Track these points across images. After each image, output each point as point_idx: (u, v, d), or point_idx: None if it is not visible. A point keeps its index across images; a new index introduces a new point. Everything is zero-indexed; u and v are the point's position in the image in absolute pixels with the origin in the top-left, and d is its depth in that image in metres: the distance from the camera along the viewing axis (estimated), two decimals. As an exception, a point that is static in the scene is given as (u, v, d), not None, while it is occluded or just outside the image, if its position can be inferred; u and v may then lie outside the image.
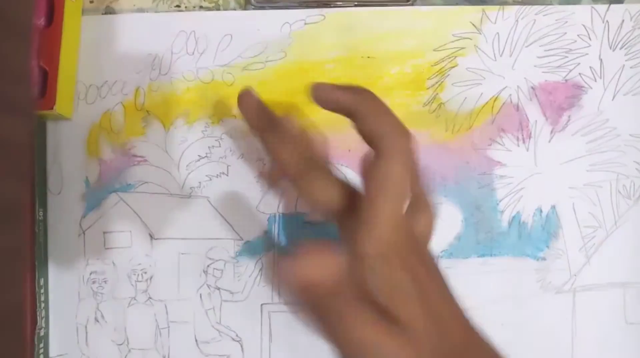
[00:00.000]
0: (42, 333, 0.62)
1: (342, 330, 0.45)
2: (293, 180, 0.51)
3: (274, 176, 0.59)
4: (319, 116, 0.64)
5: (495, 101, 0.64)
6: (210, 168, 0.64)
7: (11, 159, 0.34)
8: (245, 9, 0.65)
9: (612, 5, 0.64)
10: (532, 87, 0.64)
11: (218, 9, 0.65)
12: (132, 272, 0.63)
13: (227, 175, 0.64)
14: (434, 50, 0.64)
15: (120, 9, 0.64)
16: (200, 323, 0.63)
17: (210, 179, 0.64)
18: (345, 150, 0.64)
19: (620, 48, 0.64)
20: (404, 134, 0.49)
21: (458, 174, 0.64)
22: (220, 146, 0.64)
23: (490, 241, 0.64)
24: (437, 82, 0.64)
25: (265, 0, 0.64)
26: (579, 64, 0.64)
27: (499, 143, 0.64)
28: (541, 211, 0.64)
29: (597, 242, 0.64)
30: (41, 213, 0.62)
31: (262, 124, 0.55)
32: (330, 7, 0.64)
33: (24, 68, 0.36)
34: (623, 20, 0.64)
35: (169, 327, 0.63)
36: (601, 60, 0.64)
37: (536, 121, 0.64)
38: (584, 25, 0.64)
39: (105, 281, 0.63)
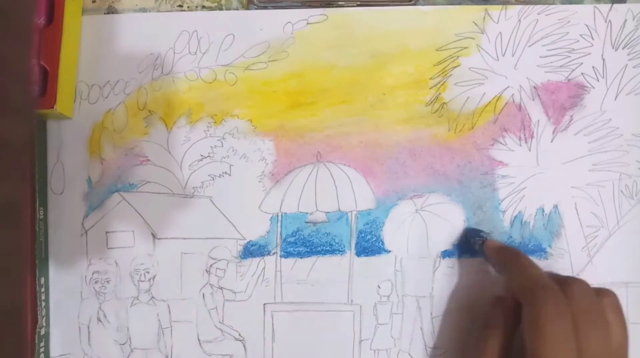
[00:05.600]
0: (42, 332, 0.62)
1: None
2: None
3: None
4: (322, 116, 0.64)
5: (497, 100, 0.64)
6: (213, 167, 0.64)
7: (11, 159, 0.34)
8: (247, 8, 0.65)
9: (615, 5, 0.64)
10: (534, 87, 0.64)
11: (220, 9, 0.65)
12: (134, 272, 0.63)
13: (230, 175, 0.64)
14: (437, 50, 0.64)
15: (122, 8, 0.64)
16: (203, 323, 0.63)
17: (213, 179, 0.64)
18: (348, 150, 0.64)
19: (623, 48, 0.64)
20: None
21: (460, 173, 0.64)
22: (222, 146, 0.64)
23: (492, 240, 0.64)
24: (439, 82, 0.64)
25: (267, 0, 0.64)
26: (581, 63, 0.64)
27: (501, 143, 0.64)
28: (543, 210, 0.64)
29: (600, 242, 0.64)
30: (42, 212, 0.62)
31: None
32: (333, 6, 0.64)
33: (24, 68, 0.36)
34: (626, 20, 0.64)
35: (171, 326, 0.63)
36: (604, 60, 0.64)
37: (538, 120, 0.64)
38: (586, 25, 0.64)
39: (107, 281, 0.63)
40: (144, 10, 0.64)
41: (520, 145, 0.64)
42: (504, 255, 0.59)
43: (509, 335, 0.56)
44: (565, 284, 0.54)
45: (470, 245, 0.63)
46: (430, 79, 0.64)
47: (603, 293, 0.55)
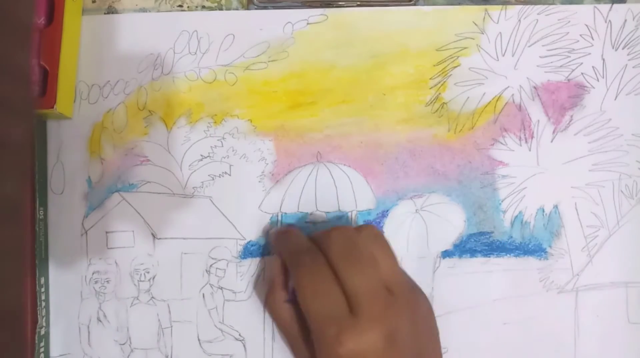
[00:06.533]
0: (42, 332, 0.62)
1: None
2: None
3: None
4: (322, 116, 0.64)
5: (497, 100, 0.64)
6: (213, 167, 0.64)
7: (11, 158, 0.34)
8: (247, 8, 0.65)
9: (615, 5, 0.64)
10: (534, 87, 0.64)
11: (220, 9, 0.65)
12: (134, 272, 0.63)
13: (230, 175, 0.64)
14: (437, 50, 0.64)
15: (122, 8, 0.64)
16: (203, 323, 0.63)
17: (213, 179, 0.64)
18: (348, 150, 0.64)
19: (623, 48, 0.64)
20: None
21: (461, 173, 0.64)
22: (222, 146, 0.64)
23: (492, 241, 0.64)
24: (439, 82, 0.64)
25: (267, 0, 0.64)
26: (581, 63, 0.64)
27: (502, 143, 0.64)
28: (544, 210, 0.64)
29: (600, 242, 0.64)
30: (42, 212, 0.62)
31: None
32: (333, 7, 0.64)
33: (24, 68, 0.36)
34: (625, 20, 0.64)
35: (171, 326, 0.63)
36: (604, 60, 0.64)
37: (538, 120, 0.64)
38: (586, 25, 0.64)
39: (107, 281, 0.63)
40: (144, 10, 0.64)
41: (520, 145, 0.64)
42: (277, 238, 0.61)
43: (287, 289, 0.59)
44: (324, 235, 0.55)
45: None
46: (430, 79, 0.64)
47: (360, 229, 0.55)
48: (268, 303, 0.59)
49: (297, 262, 0.54)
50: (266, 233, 0.64)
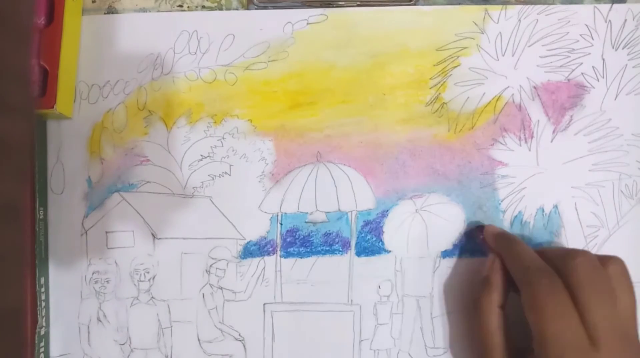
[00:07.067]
0: (42, 332, 0.62)
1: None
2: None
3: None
4: (322, 116, 0.64)
5: (497, 100, 0.64)
6: (213, 167, 0.64)
7: (11, 159, 0.34)
8: (247, 8, 0.65)
9: (615, 5, 0.64)
10: (534, 87, 0.64)
11: (220, 9, 0.65)
12: (134, 272, 0.63)
13: (230, 175, 0.64)
14: (437, 50, 0.64)
15: (122, 8, 0.64)
16: (202, 323, 0.63)
17: (213, 179, 0.64)
18: (348, 150, 0.64)
19: (623, 48, 0.64)
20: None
21: (460, 173, 0.64)
22: (222, 146, 0.64)
23: (492, 240, 0.64)
24: (439, 82, 0.64)
25: (267, 0, 0.64)
26: (581, 63, 0.64)
27: (501, 143, 0.64)
28: (543, 210, 0.64)
29: (600, 242, 0.64)
30: (42, 212, 0.62)
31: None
32: (333, 6, 0.64)
33: (24, 68, 0.36)
34: (625, 20, 0.64)
35: (171, 326, 0.63)
36: (604, 60, 0.64)
37: (538, 120, 0.64)
38: (586, 25, 0.64)
39: (107, 281, 0.63)
40: (144, 10, 0.64)
41: (520, 145, 0.64)
42: (500, 242, 0.60)
43: (504, 293, 0.58)
44: (568, 258, 0.54)
45: (473, 238, 0.63)
46: (430, 79, 0.64)
47: (608, 262, 0.55)
48: (481, 303, 0.57)
49: (534, 281, 0.53)
50: (472, 225, 0.64)
